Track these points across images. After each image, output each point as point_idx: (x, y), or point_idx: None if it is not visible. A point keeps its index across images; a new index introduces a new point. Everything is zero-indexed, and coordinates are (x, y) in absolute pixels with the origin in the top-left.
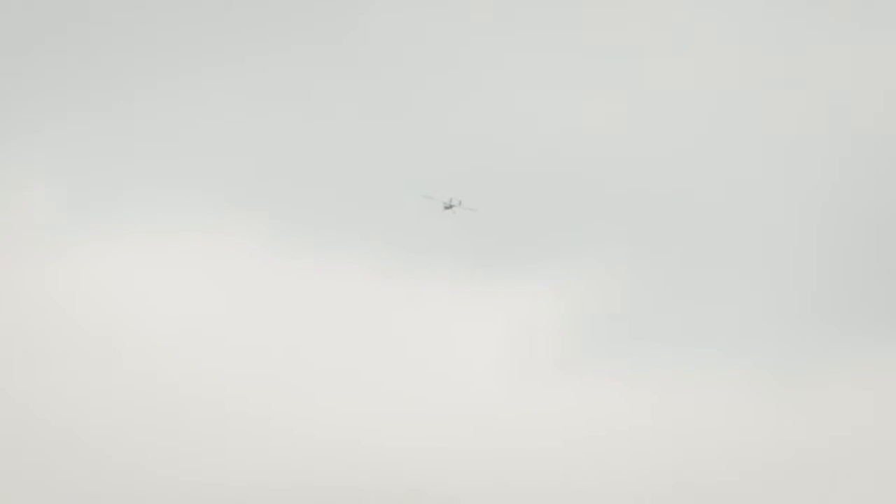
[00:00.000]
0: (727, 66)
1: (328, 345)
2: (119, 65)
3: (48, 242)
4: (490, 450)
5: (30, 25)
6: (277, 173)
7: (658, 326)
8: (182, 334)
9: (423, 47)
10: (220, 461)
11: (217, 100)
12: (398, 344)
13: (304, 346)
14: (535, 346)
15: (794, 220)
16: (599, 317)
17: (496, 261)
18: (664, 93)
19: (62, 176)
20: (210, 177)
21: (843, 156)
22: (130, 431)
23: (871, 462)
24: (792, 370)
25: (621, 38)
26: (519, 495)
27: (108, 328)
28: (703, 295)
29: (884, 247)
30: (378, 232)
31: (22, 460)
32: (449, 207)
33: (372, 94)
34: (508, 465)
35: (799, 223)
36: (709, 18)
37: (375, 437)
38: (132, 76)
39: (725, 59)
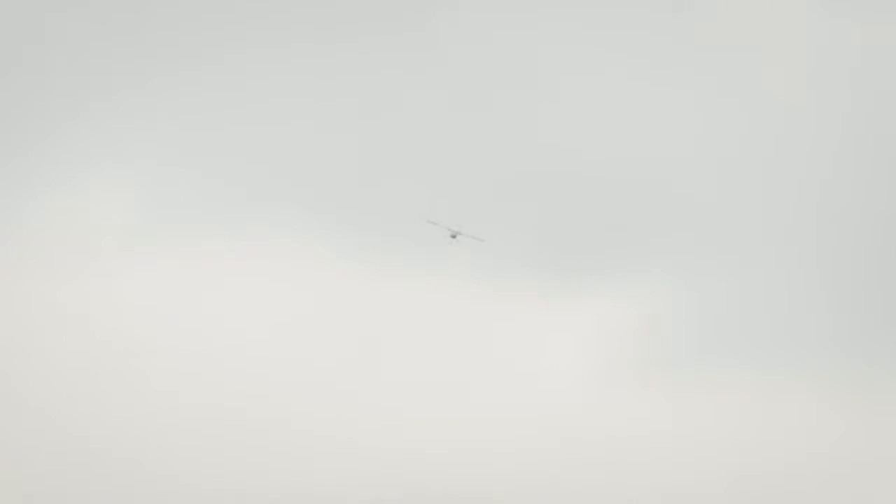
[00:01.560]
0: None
1: (417, 356)
2: (202, 66)
3: (131, 251)
4: (574, 457)
5: (108, 21)
6: (367, 181)
7: (735, 332)
8: (268, 342)
9: (494, 49)
10: (308, 469)
11: (302, 106)
12: (487, 355)
13: (395, 356)
14: (617, 355)
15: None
16: (679, 324)
17: (577, 271)
18: (734, 96)
19: (145, 185)
20: (298, 186)
21: None
22: (206, 442)
23: None
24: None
25: (686, 39)
26: (605, 500)
27: (186, 337)
28: (781, 299)
29: None
30: (464, 244)
31: (82, 459)
32: (454, 237)
33: (446, 98)
34: (592, 472)
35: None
36: None
37: (464, 441)
38: (217, 78)
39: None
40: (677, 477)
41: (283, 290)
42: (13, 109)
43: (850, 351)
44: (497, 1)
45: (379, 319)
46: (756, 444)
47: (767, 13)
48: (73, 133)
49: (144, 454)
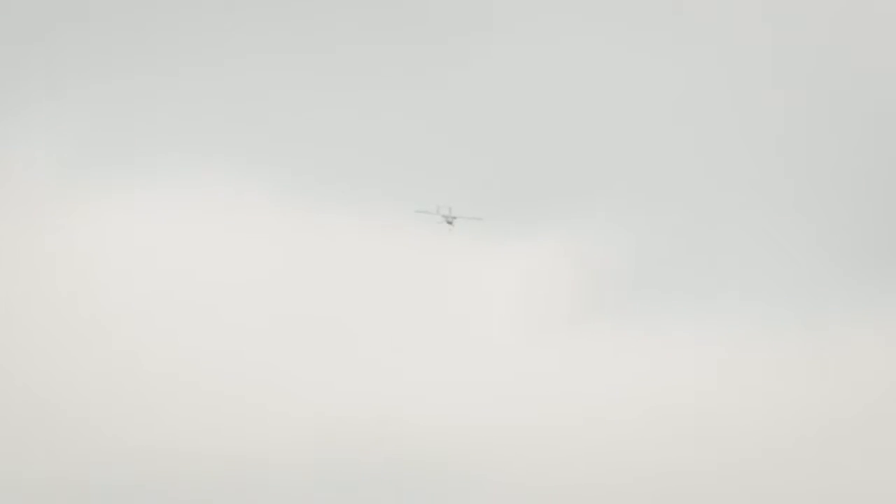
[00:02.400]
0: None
1: (343, 303)
2: (143, 23)
3: (62, 198)
4: (509, 399)
5: None
6: (300, 130)
7: (671, 280)
8: (201, 289)
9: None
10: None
11: (240, 58)
12: (424, 301)
13: (325, 300)
14: (550, 303)
15: (806, 167)
16: (613, 271)
17: (510, 219)
18: (671, 46)
19: (75, 134)
20: (233, 133)
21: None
22: (133, 401)
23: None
24: (802, 321)
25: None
26: (537, 448)
27: (122, 283)
28: (715, 247)
29: None
30: (391, 189)
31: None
32: (450, 222)
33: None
34: (528, 414)
35: (811, 169)
36: None
37: (394, 387)
38: (153, 35)
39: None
40: (613, 419)
41: (216, 236)
42: None
43: (789, 293)
44: None
45: (322, 268)
46: (691, 386)
47: None
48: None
49: (106, 414)
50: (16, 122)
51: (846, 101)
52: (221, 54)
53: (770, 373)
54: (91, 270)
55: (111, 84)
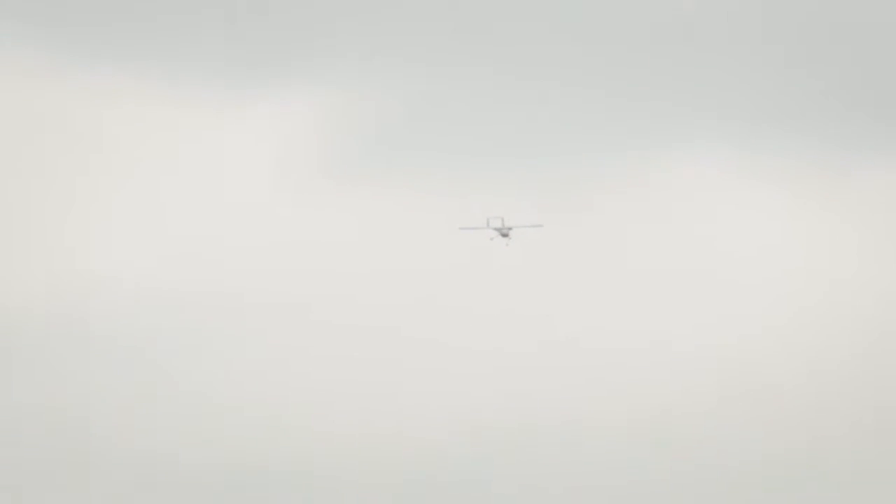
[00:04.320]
0: None
1: None
2: None
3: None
4: (259, 255)
5: None
6: None
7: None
8: None
9: None
10: None
11: None
12: (174, 156)
13: None
14: (304, 159)
15: None
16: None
17: (264, 64)
18: None
19: None
20: None
21: None
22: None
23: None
24: None
25: None
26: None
27: None
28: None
29: None
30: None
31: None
32: (506, 235)
33: None
34: (278, 274)
35: None
36: None
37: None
38: None
39: None
40: (359, 273)
41: None
42: None
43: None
44: None
45: None
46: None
47: None
48: None
49: None
50: None
51: None
52: None
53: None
54: None
55: None
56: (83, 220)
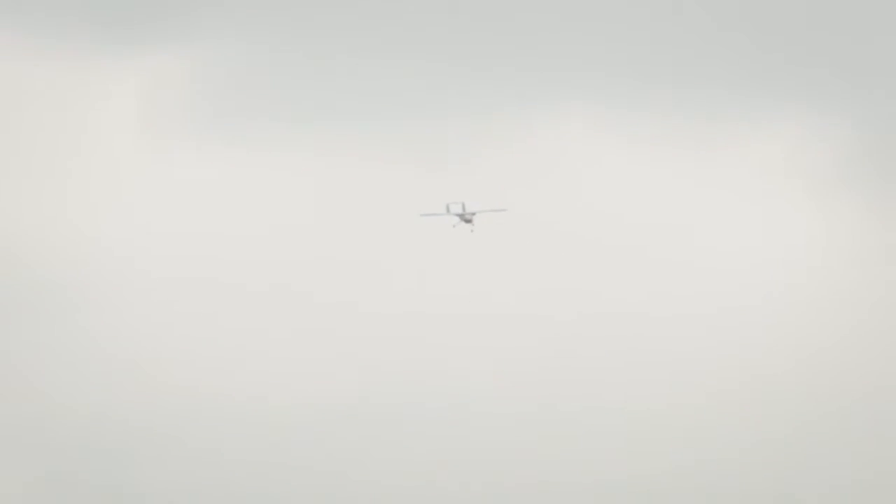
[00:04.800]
0: None
1: None
2: None
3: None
4: (128, 207)
5: None
6: None
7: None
8: None
9: None
10: None
11: None
12: (41, 114)
13: None
14: (173, 106)
15: None
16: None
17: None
18: None
19: None
20: None
21: None
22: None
23: None
24: None
25: None
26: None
27: None
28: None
29: None
30: None
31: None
32: (468, 221)
33: None
34: (153, 226)
35: None
36: None
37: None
38: None
39: None
40: (237, 221)
41: None
42: None
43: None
44: None
45: None
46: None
47: None
48: None
49: None
50: None
51: None
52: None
53: None
54: None
55: None
56: None
